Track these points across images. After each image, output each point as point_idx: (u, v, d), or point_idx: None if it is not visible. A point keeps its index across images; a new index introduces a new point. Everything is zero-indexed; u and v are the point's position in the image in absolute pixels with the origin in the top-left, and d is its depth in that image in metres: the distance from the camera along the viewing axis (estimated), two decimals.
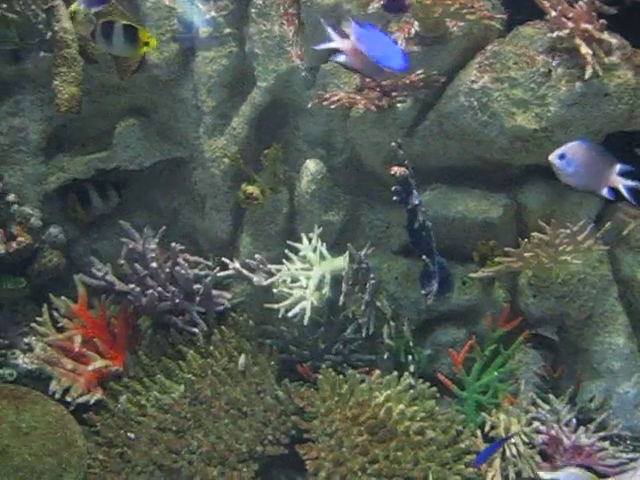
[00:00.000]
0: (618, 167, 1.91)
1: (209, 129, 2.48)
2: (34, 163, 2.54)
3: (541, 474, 2.09)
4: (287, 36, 2.38)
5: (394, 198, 2.11)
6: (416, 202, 2.09)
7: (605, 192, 1.92)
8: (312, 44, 2.35)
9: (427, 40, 2.23)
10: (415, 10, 2.13)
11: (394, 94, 2.25)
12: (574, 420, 2.23)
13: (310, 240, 2.38)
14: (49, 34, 2.42)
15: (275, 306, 2.27)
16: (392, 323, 2.37)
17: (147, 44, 2.21)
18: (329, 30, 1.96)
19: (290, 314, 2.23)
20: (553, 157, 1.94)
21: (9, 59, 2.51)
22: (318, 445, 2.15)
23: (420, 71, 2.20)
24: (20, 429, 2.07)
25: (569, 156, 1.91)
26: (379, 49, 1.91)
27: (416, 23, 2.22)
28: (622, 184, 1.91)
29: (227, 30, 2.43)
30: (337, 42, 1.95)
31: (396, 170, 2.05)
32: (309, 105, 2.31)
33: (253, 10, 2.38)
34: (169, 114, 2.58)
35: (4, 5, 2.37)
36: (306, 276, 2.28)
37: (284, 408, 2.27)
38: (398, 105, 2.27)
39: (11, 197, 2.42)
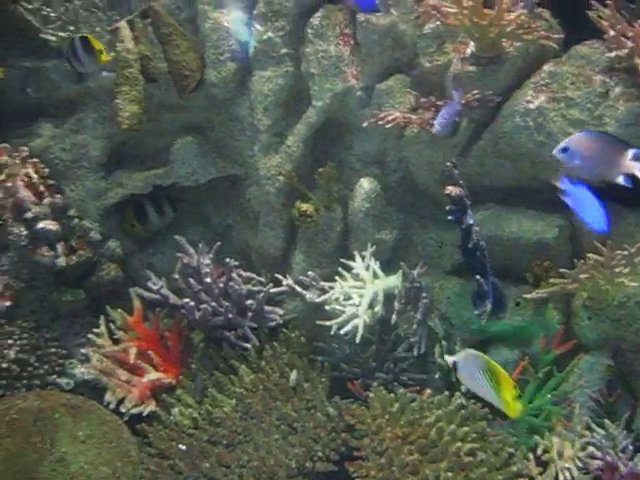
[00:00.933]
0: (631, 152, 1.83)
1: (264, 147, 2.52)
2: (94, 179, 2.62)
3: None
4: (343, 56, 2.41)
5: (448, 217, 2.11)
6: (470, 222, 2.09)
7: (621, 180, 1.84)
8: (368, 64, 2.39)
9: (482, 60, 2.24)
10: (471, 31, 2.14)
11: None
12: (630, 447, 2.18)
13: (363, 258, 2.39)
14: (112, 54, 2.50)
15: (327, 323, 2.28)
16: (444, 343, 2.36)
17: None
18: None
19: (342, 331, 2.25)
20: (556, 151, 1.89)
21: (74, 78, 2.61)
22: (368, 463, 2.14)
23: (475, 91, 2.20)
24: (77, 437, 2.12)
25: (572, 148, 1.85)
26: (585, 209, 1.90)
27: (472, 43, 2.23)
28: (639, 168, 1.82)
29: (284, 50, 2.47)
30: None
31: (451, 190, 2.05)
32: (365, 124, 2.33)
33: (310, 31, 2.42)
34: (225, 132, 2.63)
35: (71, 27, 2.46)
36: (359, 294, 2.29)
37: (334, 425, 2.28)
38: None
39: (72, 211, 2.50)
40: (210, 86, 2.53)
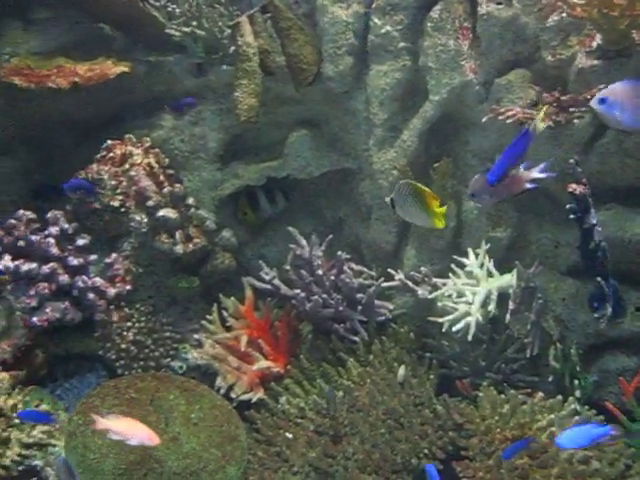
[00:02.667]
0: (522, 166, 1.82)
1: (379, 141, 2.52)
2: (211, 169, 2.69)
3: None
4: (461, 50, 2.37)
5: (570, 216, 2.04)
6: (594, 221, 2.01)
7: (527, 186, 1.84)
8: (487, 58, 2.34)
9: (609, 53, 2.15)
10: (599, 22, 2.06)
11: (572, 109, 2.18)
12: None
13: (477, 256, 2.35)
14: (232, 48, 2.55)
15: (439, 320, 2.26)
16: (559, 345, 2.29)
17: None
18: None
19: (454, 329, 2.22)
20: (594, 103, 1.78)
21: (195, 72, 2.68)
22: (476, 464, 2.11)
23: (601, 86, 2.12)
24: (190, 419, 2.18)
25: (611, 99, 1.75)
26: None
27: (598, 36, 2.15)
28: (537, 173, 1.82)
29: (401, 44, 2.45)
30: None
31: (575, 187, 1.99)
32: (484, 119, 2.28)
33: (429, 24, 2.39)
34: (340, 126, 2.65)
35: (194, 23, 2.54)
36: (472, 292, 2.25)
37: (442, 423, 2.25)
38: (575, 121, 2.20)
39: (190, 201, 2.57)
40: (327, 79, 2.55)
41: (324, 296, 2.44)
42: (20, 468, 2.11)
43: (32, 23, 2.61)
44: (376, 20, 2.45)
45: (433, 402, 2.30)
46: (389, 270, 2.48)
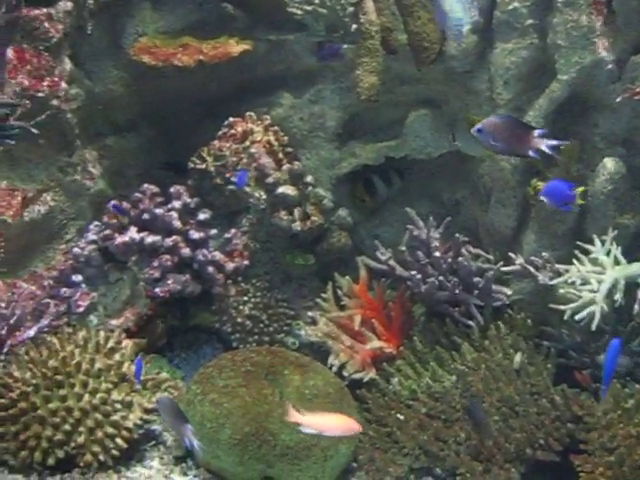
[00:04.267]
0: (536, 132, 1.99)
1: None
2: (329, 148, 2.69)
3: None
4: (594, 26, 2.26)
5: None
6: None
7: (532, 154, 2.00)
8: (623, 35, 2.23)
9: None
10: None
11: None
12: None
13: (603, 243, 2.25)
14: (353, 26, 2.53)
15: (561, 307, 2.18)
16: None
17: None
18: None
19: (576, 318, 2.14)
20: (473, 131, 2.03)
21: (314, 50, 2.68)
22: (595, 459, 2.04)
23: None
24: (304, 395, 2.21)
25: (486, 129, 2.00)
26: None
27: None
28: (545, 144, 1.98)
29: (529, 21, 2.36)
30: None
31: None
32: (618, 99, 2.18)
33: (560, 0, 2.29)
34: (460, 106, 2.59)
35: (316, 1, 2.53)
36: (597, 279, 2.16)
37: (559, 414, 2.18)
38: None
39: (309, 179, 2.58)
40: (449, 58, 2.49)
41: (440, 278, 2.41)
42: (141, 431, 2.20)
43: (160, 3, 2.68)
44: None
45: (550, 392, 2.23)
46: (509, 254, 2.41)
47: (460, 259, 2.41)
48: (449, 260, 2.44)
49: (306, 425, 1.86)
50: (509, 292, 2.46)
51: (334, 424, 1.90)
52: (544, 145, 1.98)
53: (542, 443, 2.16)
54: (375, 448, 2.31)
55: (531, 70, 2.41)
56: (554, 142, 1.98)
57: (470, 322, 2.44)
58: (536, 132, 2.00)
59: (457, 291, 2.41)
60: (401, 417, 2.33)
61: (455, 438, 2.23)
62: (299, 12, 2.58)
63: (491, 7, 2.43)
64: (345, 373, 2.45)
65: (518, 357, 2.31)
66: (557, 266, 2.27)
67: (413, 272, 2.45)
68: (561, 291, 2.23)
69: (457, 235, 2.46)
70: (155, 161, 2.77)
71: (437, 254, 2.42)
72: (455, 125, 2.36)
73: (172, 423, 1.96)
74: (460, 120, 2.33)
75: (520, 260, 2.35)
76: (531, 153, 2.00)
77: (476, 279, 2.43)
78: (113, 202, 2.48)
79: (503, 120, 2.04)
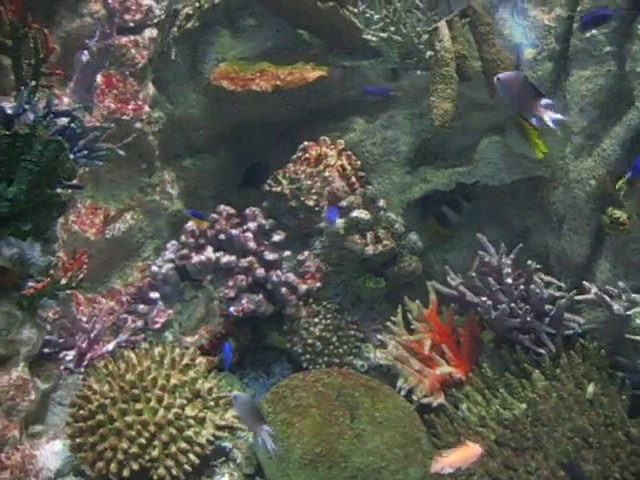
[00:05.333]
0: (543, 101, 1.97)
1: (577, 149, 2.44)
2: (401, 173, 2.72)
3: None
4: None
5: None
6: None
7: (534, 120, 1.98)
8: None
9: None
10: None
11: None
12: None
13: None
14: (428, 53, 2.57)
15: (638, 338, 2.15)
16: None
17: None
18: None
19: None
20: (494, 79, 2.03)
21: (388, 76, 2.72)
22: None
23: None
24: (374, 418, 2.22)
25: (503, 80, 2.01)
26: None
27: None
28: (548, 115, 1.96)
29: (607, 48, 2.36)
30: None
31: None
32: None
33: (639, 27, 2.28)
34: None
35: (392, 28, 2.58)
36: None
37: (636, 447, 2.14)
38: None
39: (381, 203, 2.61)
40: None
41: (512, 305, 2.40)
42: (211, 447, 2.23)
43: (239, 31, 2.77)
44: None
45: (626, 424, 2.20)
46: (584, 283, 2.39)
47: (532, 286, 2.40)
48: (520, 287, 2.43)
49: (449, 466, 1.89)
50: (582, 321, 2.43)
51: (466, 456, 1.92)
52: (547, 115, 1.98)
53: (617, 477, 2.13)
54: None
55: (608, 98, 2.41)
56: (557, 116, 1.97)
57: (541, 350, 2.42)
58: (543, 101, 1.99)
59: (528, 318, 2.39)
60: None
61: (525, 467, 2.21)
62: (374, 39, 2.63)
63: (567, 34, 2.43)
64: (414, 397, 2.46)
65: (591, 387, 2.28)
66: (633, 296, 2.24)
67: (484, 298, 2.45)
68: (637, 321, 2.20)
69: (529, 262, 2.45)
70: (229, 183, 2.84)
71: (509, 280, 2.42)
72: (505, 126, 2.47)
73: (248, 421, 1.96)
74: (510, 121, 2.45)
75: (595, 289, 2.33)
76: (533, 119, 2.01)
77: (548, 307, 2.41)
78: (190, 210, 2.55)
79: (519, 78, 2.03)
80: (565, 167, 2.48)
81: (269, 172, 2.65)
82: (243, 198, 2.74)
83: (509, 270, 2.44)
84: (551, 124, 1.97)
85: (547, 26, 2.43)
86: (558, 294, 2.42)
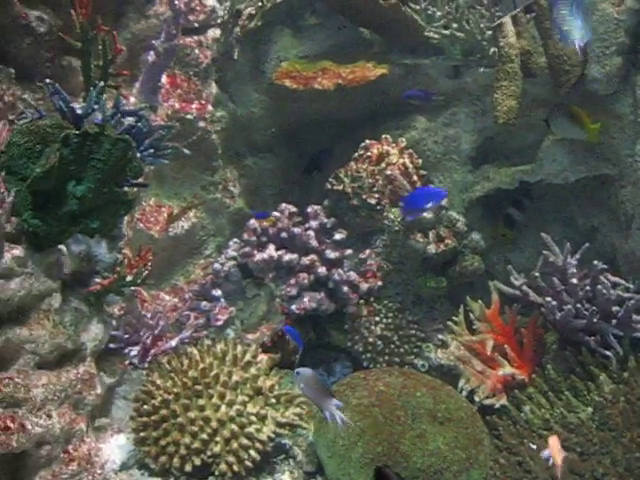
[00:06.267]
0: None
1: None
2: (463, 171, 2.69)
3: None
4: None
5: None
6: None
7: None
8: None
9: None
10: None
11: None
12: None
13: None
14: (491, 50, 2.53)
15: None
16: None
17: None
18: None
19: None
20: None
21: (450, 74, 2.70)
22: None
23: None
24: (436, 418, 2.20)
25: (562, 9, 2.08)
26: None
27: None
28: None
29: None
30: None
31: None
32: None
33: None
34: (600, 129, 2.52)
35: (455, 25, 2.55)
36: None
37: None
38: None
39: (443, 202, 2.59)
40: (591, 81, 2.44)
41: (577, 306, 2.34)
42: (272, 444, 2.25)
43: (300, 30, 2.79)
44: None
45: None
46: None
47: (599, 287, 2.34)
48: (586, 287, 2.38)
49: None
50: None
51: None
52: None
53: None
54: (506, 476, 2.26)
55: None
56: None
57: (608, 352, 2.35)
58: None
59: (595, 320, 2.34)
60: (533, 446, 2.27)
61: (592, 472, 2.15)
62: (436, 36, 2.61)
63: (637, 28, 2.37)
64: (476, 398, 2.42)
65: None
66: None
67: (548, 298, 2.40)
68: None
69: (595, 262, 2.39)
70: (291, 181, 2.85)
71: (575, 281, 2.36)
72: (550, 113, 2.42)
73: (314, 396, 1.87)
74: (554, 107, 2.41)
75: None
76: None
77: (615, 308, 2.35)
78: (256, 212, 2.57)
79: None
80: (634, 165, 2.41)
81: (333, 158, 2.65)
82: (306, 186, 2.74)
83: (574, 270, 2.39)
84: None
85: (617, 19, 2.37)
86: (626, 295, 2.36)
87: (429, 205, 2.39)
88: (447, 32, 2.59)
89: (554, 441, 1.91)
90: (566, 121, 2.41)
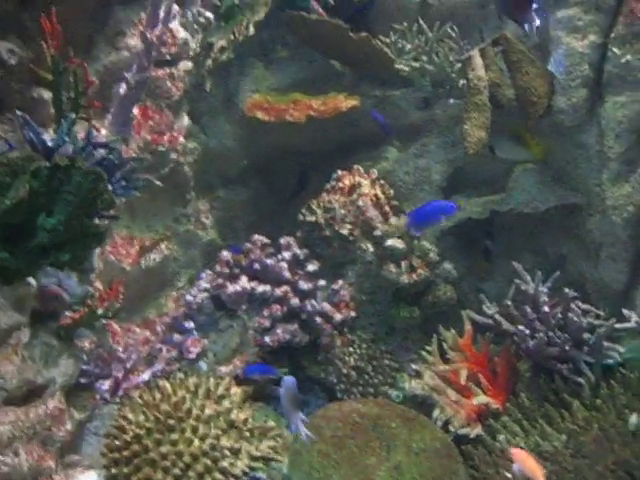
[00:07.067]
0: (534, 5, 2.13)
1: (613, 176, 2.42)
2: None
3: None
4: None
5: None
6: None
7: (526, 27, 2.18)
8: None
9: None
10: None
11: None
12: None
13: None
14: (461, 82, 2.58)
15: None
16: None
17: None
18: None
19: None
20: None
21: (420, 105, 2.74)
22: None
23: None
24: (411, 449, 2.19)
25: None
26: None
27: None
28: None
29: None
30: None
31: None
32: None
33: None
34: (568, 159, 2.57)
35: (424, 58, 2.59)
36: None
37: None
38: None
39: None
40: (557, 112, 2.49)
41: (550, 334, 2.36)
42: (246, 479, 2.21)
43: (272, 62, 2.81)
44: (615, 50, 2.36)
45: None
46: (624, 311, 2.35)
47: (570, 314, 2.36)
48: (558, 315, 2.40)
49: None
50: (621, 349, 2.38)
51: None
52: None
53: None
54: None
55: None
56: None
57: (580, 379, 2.37)
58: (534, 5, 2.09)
59: (567, 347, 2.35)
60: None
61: None
62: (406, 68, 2.65)
63: (601, 61, 2.43)
64: (451, 428, 2.41)
65: (634, 418, 2.22)
66: None
67: (520, 327, 2.42)
68: None
69: (566, 290, 2.41)
70: (262, 213, 2.86)
71: (546, 309, 2.38)
72: (493, 139, 2.45)
73: (286, 406, 2.03)
74: (496, 133, 2.45)
75: (636, 317, 2.29)
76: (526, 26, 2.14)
77: (586, 335, 2.37)
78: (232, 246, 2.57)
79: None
80: (602, 194, 2.46)
81: (308, 180, 2.68)
82: (279, 217, 2.74)
83: (546, 298, 2.41)
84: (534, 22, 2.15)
85: (581, 53, 2.43)
86: (597, 322, 2.38)
87: (441, 218, 2.43)
88: (417, 64, 2.64)
89: (524, 455, 1.92)
90: (510, 144, 2.49)
